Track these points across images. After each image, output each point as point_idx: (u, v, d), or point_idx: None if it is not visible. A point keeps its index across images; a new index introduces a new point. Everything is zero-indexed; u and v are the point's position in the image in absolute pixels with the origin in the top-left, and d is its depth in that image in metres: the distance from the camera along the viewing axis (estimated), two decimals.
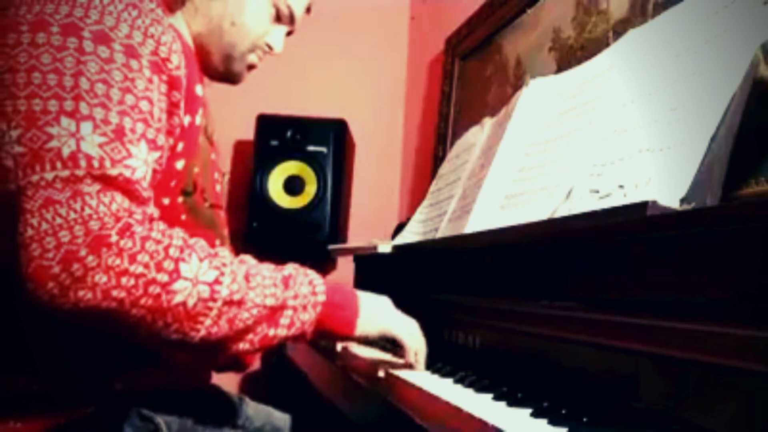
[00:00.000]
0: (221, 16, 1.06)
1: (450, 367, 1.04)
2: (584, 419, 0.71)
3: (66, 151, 0.76)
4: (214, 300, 0.81)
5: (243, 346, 0.86)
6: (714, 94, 0.82)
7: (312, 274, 0.95)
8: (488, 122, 1.55)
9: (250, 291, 0.84)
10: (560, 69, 1.48)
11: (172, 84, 0.91)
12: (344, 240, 2.51)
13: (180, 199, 0.98)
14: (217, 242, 1.05)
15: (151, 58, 0.87)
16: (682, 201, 0.76)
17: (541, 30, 1.73)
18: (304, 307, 0.90)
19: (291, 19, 1.14)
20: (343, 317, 0.95)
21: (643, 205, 0.73)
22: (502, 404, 0.81)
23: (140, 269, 0.76)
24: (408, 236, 1.66)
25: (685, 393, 0.68)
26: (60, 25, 0.81)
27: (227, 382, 1.32)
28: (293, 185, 2.34)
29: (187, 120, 0.96)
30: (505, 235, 1.08)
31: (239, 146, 2.64)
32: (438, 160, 2.18)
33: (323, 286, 0.94)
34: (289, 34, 1.18)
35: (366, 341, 1.01)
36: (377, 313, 0.99)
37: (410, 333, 1.02)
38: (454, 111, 2.25)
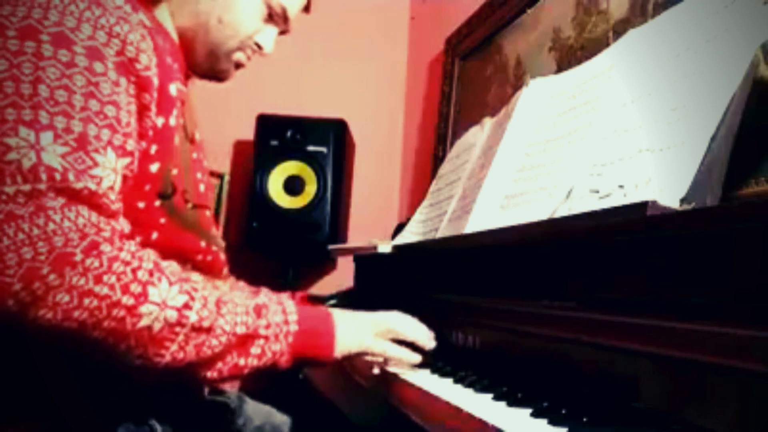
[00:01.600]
0: (208, 13, 1.02)
1: (450, 367, 1.04)
2: (584, 419, 0.71)
3: (26, 164, 0.73)
4: (182, 325, 0.79)
5: (211, 374, 0.85)
6: (714, 94, 0.82)
7: (285, 301, 0.93)
8: (488, 122, 1.55)
9: (220, 318, 0.83)
10: (560, 69, 1.48)
11: (142, 85, 0.86)
12: (344, 240, 2.50)
13: (157, 203, 0.95)
14: (202, 243, 1.02)
15: (117, 59, 0.82)
16: (682, 201, 0.76)
17: (541, 30, 1.73)
18: (276, 337, 0.89)
19: (284, 19, 1.10)
20: (320, 344, 0.93)
21: (643, 205, 0.73)
22: (502, 404, 0.81)
23: (105, 290, 0.73)
24: (408, 236, 1.66)
25: (685, 393, 0.68)
26: (16, 28, 0.77)
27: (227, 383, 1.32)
28: (293, 185, 2.34)
29: (160, 121, 0.91)
30: (505, 235, 1.08)
31: (239, 146, 2.64)
32: (438, 160, 2.18)
33: (296, 315, 0.92)
34: (282, 33, 1.14)
35: (353, 359, 1.00)
36: (355, 331, 0.97)
37: (389, 345, 1.00)
38: (454, 111, 2.25)
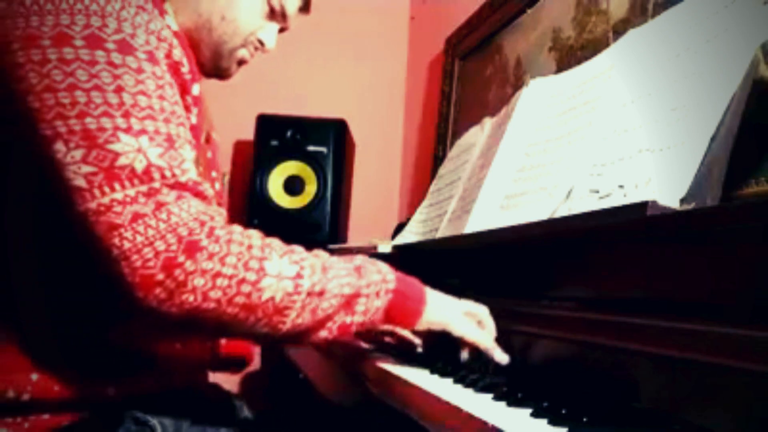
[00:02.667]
0: (210, 11, 1.03)
1: (450, 367, 1.04)
2: (584, 419, 0.70)
3: (139, 167, 0.79)
4: (298, 293, 0.84)
5: (323, 334, 0.90)
6: (714, 94, 0.82)
7: (380, 263, 0.97)
8: (488, 122, 1.55)
9: (328, 282, 0.88)
10: (560, 69, 1.48)
11: (184, 87, 0.93)
12: (344, 240, 2.51)
13: None
14: None
15: (167, 62, 0.88)
16: (682, 201, 0.76)
17: (541, 30, 1.73)
18: (377, 294, 0.93)
19: (283, 16, 1.11)
20: (410, 307, 0.96)
21: (643, 205, 0.73)
22: (502, 404, 0.81)
23: (231, 270, 0.80)
24: (408, 236, 1.66)
25: (685, 393, 0.68)
26: (83, 37, 0.80)
27: (227, 382, 1.32)
28: (293, 185, 2.33)
29: (192, 119, 0.97)
30: (505, 235, 1.08)
31: (239, 146, 2.64)
32: (438, 160, 2.18)
33: (392, 274, 0.96)
34: (281, 30, 1.15)
35: (427, 337, 1.03)
36: (444, 306, 1.00)
37: (474, 328, 1.00)
38: (454, 111, 2.25)
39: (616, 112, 1.01)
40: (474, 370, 0.99)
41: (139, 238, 0.76)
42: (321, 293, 0.87)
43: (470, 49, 2.18)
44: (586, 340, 0.85)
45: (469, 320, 1.00)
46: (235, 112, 2.39)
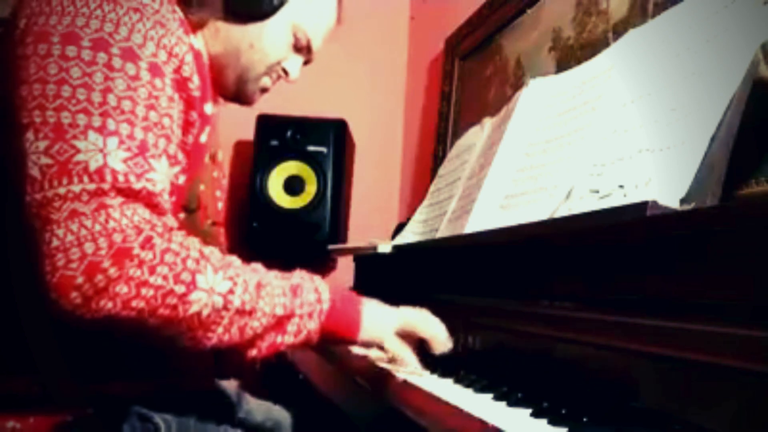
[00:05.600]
0: (240, 39, 1.07)
1: (450, 367, 1.04)
2: (584, 419, 0.71)
3: (93, 165, 0.78)
4: (227, 309, 0.84)
5: (252, 352, 0.89)
6: (714, 94, 0.82)
7: (318, 281, 0.97)
8: (488, 122, 1.55)
9: (260, 300, 0.87)
10: (560, 69, 1.48)
11: (190, 103, 0.94)
12: (344, 240, 2.50)
13: (182, 215, 0.99)
14: None
15: (174, 77, 0.89)
16: (682, 201, 0.76)
17: (541, 30, 1.73)
18: (310, 315, 0.93)
19: (308, 50, 1.16)
20: (346, 325, 0.96)
21: (643, 205, 0.73)
22: (502, 404, 0.81)
23: (159, 281, 0.78)
24: (408, 236, 1.66)
25: (685, 393, 0.68)
26: (90, 39, 0.82)
27: (227, 381, 1.32)
28: (293, 185, 2.33)
29: (200, 138, 0.98)
30: (505, 235, 1.08)
31: (239, 146, 2.64)
32: (438, 160, 2.18)
33: (328, 293, 0.96)
34: (305, 63, 1.20)
35: (371, 346, 1.02)
36: (379, 322, 1.00)
37: (400, 346, 1.01)
38: (454, 111, 2.25)
39: (616, 112, 1.01)
40: (474, 371, 0.99)
41: (69, 237, 0.75)
42: (251, 312, 0.86)
43: (470, 49, 2.18)
44: (586, 340, 0.85)
45: (400, 338, 1.01)
46: (234, 112, 2.38)
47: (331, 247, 2.14)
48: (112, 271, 0.75)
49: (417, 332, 1.03)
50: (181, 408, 1.00)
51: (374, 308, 1.01)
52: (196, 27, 1.03)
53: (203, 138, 0.99)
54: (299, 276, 0.96)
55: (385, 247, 1.60)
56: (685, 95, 0.87)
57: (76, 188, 0.77)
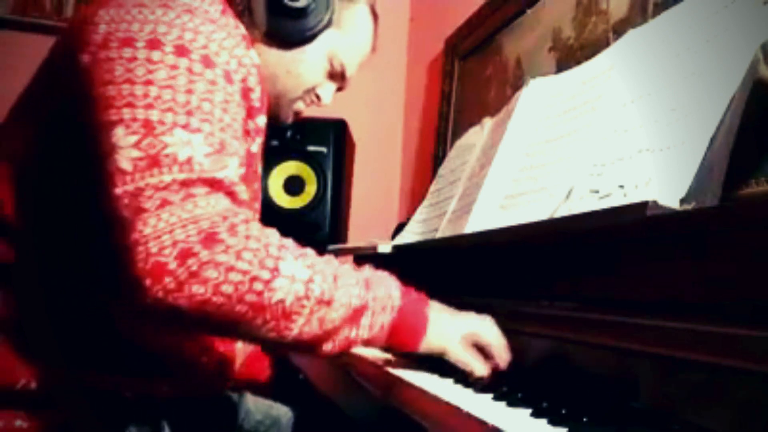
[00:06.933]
0: (277, 64, 1.10)
1: (450, 367, 1.04)
2: (584, 419, 0.71)
3: (182, 156, 0.82)
4: (308, 298, 0.83)
5: (327, 347, 0.88)
6: (714, 94, 0.82)
7: (387, 276, 0.96)
8: (488, 122, 1.55)
9: (338, 291, 0.87)
10: (560, 69, 1.48)
11: (251, 112, 0.97)
12: (344, 240, 2.50)
13: None
14: None
15: (241, 85, 0.94)
16: (682, 201, 0.76)
17: (541, 30, 1.73)
18: (383, 309, 0.91)
19: (342, 78, 1.18)
20: (413, 327, 0.93)
21: (643, 205, 0.73)
22: (502, 404, 0.81)
23: (246, 266, 0.79)
24: (408, 236, 1.66)
25: (685, 393, 0.68)
26: (173, 45, 0.87)
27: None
28: (293, 185, 2.33)
29: (251, 148, 1.01)
30: (505, 235, 1.08)
31: None
32: (438, 160, 2.18)
33: (398, 290, 0.94)
34: (338, 90, 1.22)
35: (433, 353, 0.97)
36: (444, 330, 0.96)
37: (468, 357, 0.96)
38: (454, 111, 2.25)
39: (616, 112, 1.01)
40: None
41: (161, 225, 0.77)
42: (330, 302, 0.85)
43: (470, 49, 2.18)
44: (586, 340, 0.85)
45: (464, 347, 0.96)
46: None
47: (331, 247, 2.13)
48: (204, 255, 0.77)
49: (479, 342, 0.98)
50: (183, 407, 1.00)
51: (441, 314, 0.97)
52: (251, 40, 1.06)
53: (254, 148, 1.03)
54: (369, 270, 0.95)
55: (385, 247, 1.60)
56: (685, 95, 0.87)
57: (167, 178, 0.80)
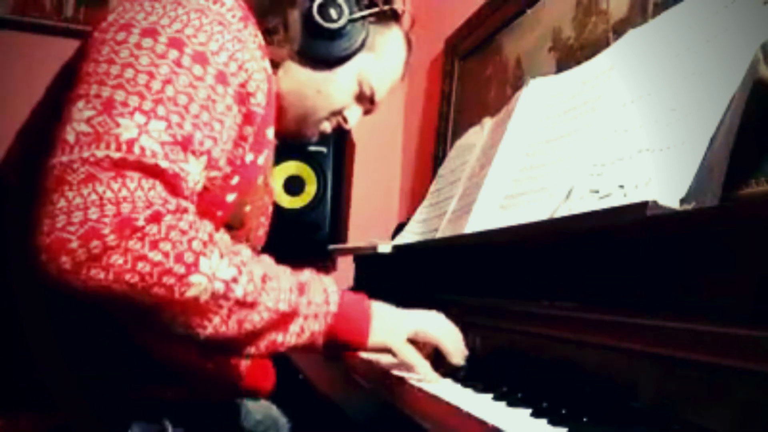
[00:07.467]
0: (307, 83, 1.09)
1: (450, 367, 1.04)
2: (584, 419, 0.71)
3: (125, 136, 0.78)
4: (227, 298, 0.80)
5: (249, 350, 0.86)
6: (714, 94, 0.82)
7: (328, 282, 0.94)
8: (488, 122, 1.55)
9: (264, 294, 0.84)
10: (560, 69, 1.48)
11: (249, 118, 0.94)
12: (344, 240, 2.50)
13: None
14: None
15: (238, 89, 0.91)
16: (682, 201, 0.76)
17: (541, 30, 1.73)
18: (315, 316, 0.89)
19: (371, 101, 1.17)
20: (354, 330, 0.93)
21: (643, 205, 0.73)
22: (502, 404, 0.81)
23: (159, 257, 0.75)
24: (408, 236, 1.66)
25: (685, 393, 0.68)
26: (169, 37, 0.85)
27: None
28: (293, 185, 2.33)
29: (249, 157, 0.97)
30: (505, 235, 1.08)
31: None
32: (438, 160, 2.18)
33: (337, 296, 0.92)
34: (366, 113, 1.21)
35: (380, 353, 0.99)
36: (390, 326, 0.97)
37: (412, 353, 0.98)
38: (454, 111, 2.25)
39: (616, 112, 1.01)
40: (474, 371, 0.99)
41: (77, 200, 0.73)
42: (253, 304, 0.82)
43: (470, 49, 2.18)
44: (586, 340, 0.85)
45: (408, 345, 0.97)
46: None
47: (331, 247, 2.13)
48: (110, 239, 0.73)
49: (430, 339, 1.00)
50: (185, 409, 1.00)
51: (385, 312, 0.97)
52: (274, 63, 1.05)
53: (260, 160, 0.99)
54: (309, 274, 0.92)
55: (385, 247, 1.60)
56: (685, 95, 0.87)
57: (100, 153, 0.75)
